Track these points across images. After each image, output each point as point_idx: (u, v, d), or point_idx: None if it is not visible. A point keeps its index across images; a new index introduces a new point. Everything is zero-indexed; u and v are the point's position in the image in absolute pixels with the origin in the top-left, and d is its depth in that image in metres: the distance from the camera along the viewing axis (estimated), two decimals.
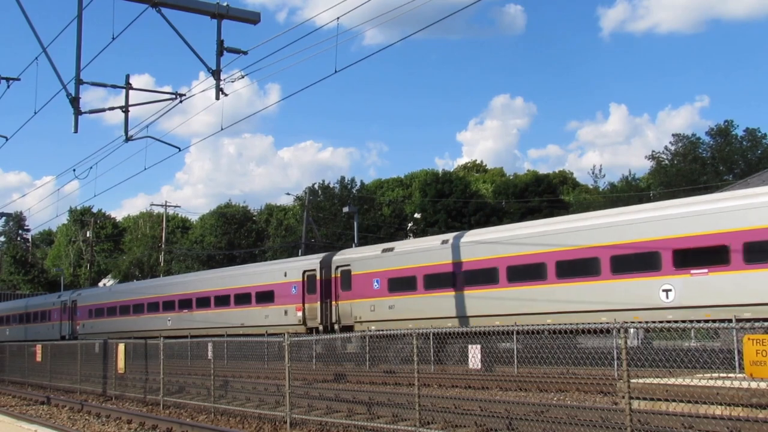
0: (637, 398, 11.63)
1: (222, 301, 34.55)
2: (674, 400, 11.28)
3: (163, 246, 73.93)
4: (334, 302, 28.90)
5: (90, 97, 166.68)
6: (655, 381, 12.55)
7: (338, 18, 15.78)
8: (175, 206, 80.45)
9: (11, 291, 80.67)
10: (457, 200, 65.36)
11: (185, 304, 37.01)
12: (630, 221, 20.76)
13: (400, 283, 26.48)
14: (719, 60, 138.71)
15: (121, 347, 21.83)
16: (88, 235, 77.02)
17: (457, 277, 24.56)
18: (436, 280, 25.23)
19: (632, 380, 10.37)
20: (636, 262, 20.22)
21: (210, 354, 22.30)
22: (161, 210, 75.90)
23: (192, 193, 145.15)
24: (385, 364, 23.52)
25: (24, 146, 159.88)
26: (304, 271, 30.50)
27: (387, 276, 27.01)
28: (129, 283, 56.66)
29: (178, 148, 20.67)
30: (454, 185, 67.30)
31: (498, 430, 12.16)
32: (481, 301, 23.60)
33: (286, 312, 30.70)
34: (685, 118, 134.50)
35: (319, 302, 29.42)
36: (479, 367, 21.01)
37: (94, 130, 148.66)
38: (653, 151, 66.61)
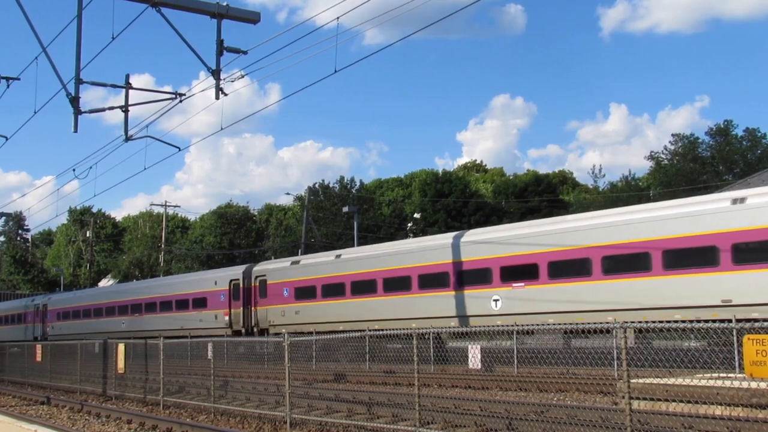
0: (637, 398, 11.62)
1: (166, 306, 38.15)
2: (674, 400, 11.28)
3: (162, 246, 73.93)
4: (253, 308, 32.61)
5: (90, 97, 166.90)
6: (655, 381, 12.55)
7: (338, 18, 15.79)
8: (175, 206, 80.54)
9: (11, 291, 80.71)
10: (457, 200, 65.34)
11: (136, 308, 40.49)
12: (469, 242, 24.89)
13: (305, 292, 30.32)
14: (719, 60, 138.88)
15: (121, 347, 21.83)
16: (87, 235, 77.04)
17: (347, 287, 28.49)
18: (331, 289, 29.16)
19: (632, 380, 10.37)
20: (473, 276, 24.08)
21: (210, 354, 22.31)
22: (161, 210, 75.99)
23: (192, 193, 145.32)
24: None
25: (24, 146, 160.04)
26: (231, 280, 34.17)
27: (294, 285, 30.94)
28: (92, 289, 59.42)
29: (178, 147, 20.67)
30: (453, 185, 67.27)
31: (498, 430, 12.16)
32: (365, 307, 27.59)
33: (216, 316, 34.38)
34: (685, 118, 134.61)
35: (242, 308, 33.11)
36: (479, 367, 21.01)
37: (94, 129, 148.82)
38: (652, 152, 66.63)
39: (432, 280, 25.35)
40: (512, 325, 13.56)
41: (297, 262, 32.07)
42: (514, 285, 22.92)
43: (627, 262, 20.46)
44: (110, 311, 42.98)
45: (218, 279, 35.07)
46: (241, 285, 33.40)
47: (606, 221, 21.37)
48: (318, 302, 29.61)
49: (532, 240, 22.74)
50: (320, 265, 30.31)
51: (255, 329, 32.09)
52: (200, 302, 35.48)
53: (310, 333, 24.66)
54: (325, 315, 29.00)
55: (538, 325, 12.45)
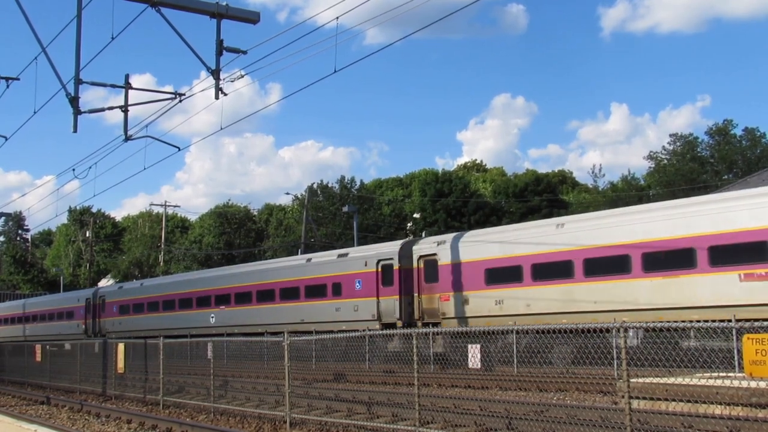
0: (637, 398, 11.63)
1: (51, 317, 50.54)
2: (674, 400, 11.27)
3: (162, 246, 73.88)
4: (99, 319, 45.05)
5: (91, 97, 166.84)
6: (655, 380, 12.55)
7: (338, 18, 15.79)
8: (175, 206, 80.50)
9: (11, 291, 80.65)
10: (457, 200, 65.30)
11: (35, 318, 53.13)
12: (196, 279, 39.07)
13: (124, 309, 42.85)
14: (721, 60, 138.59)
15: (121, 347, 21.83)
16: (87, 235, 76.99)
17: (145, 306, 40.86)
18: (137, 307, 41.63)
19: (632, 380, 10.37)
20: (202, 301, 36.53)
21: (210, 354, 22.32)
22: (161, 210, 75.94)
23: (192, 193, 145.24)
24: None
25: (24, 146, 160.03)
26: (87, 299, 46.66)
27: (119, 304, 43.38)
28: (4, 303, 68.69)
29: (178, 147, 20.64)
30: (453, 185, 67.17)
31: (498, 430, 12.16)
32: (154, 320, 39.43)
33: (78, 325, 46.55)
34: (686, 118, 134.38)
35: (92, 319, 45.47)
36: (479, 366, 21.01)
37: (94, 129, 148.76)
38: (651, 152, 66.61)
39: (182, 303, 37.96)
40: (512, 325, 13.60)
41: (121, 287, 46.05)
42: (221, 307, 35.18)
43: (267, 294, 32.71)
44: (11, 321, 56.00)
45: (79, 297, 48.36)
46: (92, 302, 45.73)
47: (260, 268, 34.75)
48: (130, 316, 42.05)
49: (228, 279, 35.70)
50: (131, 289, 43.77)
51: (100, 334, 43.83)
52: (70, 314, 47.94)
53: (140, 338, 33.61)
54: (134, 325, 40.98)
55: (537, 326, 12.54)
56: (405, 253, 27.11)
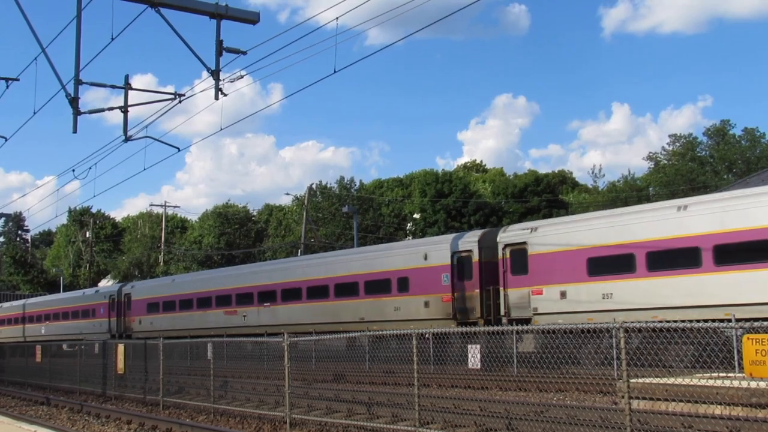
0: (637, 398, 11.63)
1: None
2: (674, 400, 11.28)
3: (162, 246, 73.86)
4: None
5: (92, 97, 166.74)
6: (655, 381, 12.55)
7: (337, 18, 15.78)
8: (175, 206, 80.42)
9: (11, 291, 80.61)
10: (457, 200, 65.25)
11: None
12: (36, 302, 55.98)
13: (1, 322, 58.71)
14: (722, 60, 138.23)
15: (121, 348, 21.82)
16: (87, 236, 76.97)
17: (14, 320, 55.61)
18: (6, 321, 57.50)
19: (632, 380, 10.37)
20: (39, 318, 52.32)
21: (210, 354, 22.31)
22: (160, 210, 75.91)
23: (193, 193, 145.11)
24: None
25: (24, 146, 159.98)
26: None
27: None
28: None
29: (178, 148, 20.61)
30: (453, 185, 67.06)
31: (497, 430, 12.16)
32: (30, 329, 53.41)
33: None
34: (687, 118, 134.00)
35: None
36: (479, 367, 20.99)
37: (94, 130, 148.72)
38: (650, 152, 66.62)
39: (28, 319, 53.20)
40: (512, 326, 13.64)
41: (1, 306, 60.86)
42: (47, 322, 50.10)
43: (65, 314, 48.52)
44: None
45: None
46: None
47: (58, 298, 52.86)
48: (4, 327, 57.07)
49: (47, 304, 52.09)
50: (5, 308, 58.71)
51: None
52: None
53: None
54: (8, 335, 55.22)
55: (542, 326, 12.59)
56: (119, 291, 43.15)
